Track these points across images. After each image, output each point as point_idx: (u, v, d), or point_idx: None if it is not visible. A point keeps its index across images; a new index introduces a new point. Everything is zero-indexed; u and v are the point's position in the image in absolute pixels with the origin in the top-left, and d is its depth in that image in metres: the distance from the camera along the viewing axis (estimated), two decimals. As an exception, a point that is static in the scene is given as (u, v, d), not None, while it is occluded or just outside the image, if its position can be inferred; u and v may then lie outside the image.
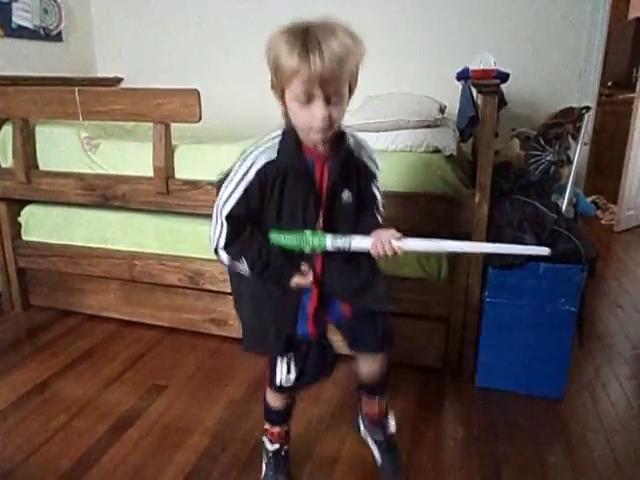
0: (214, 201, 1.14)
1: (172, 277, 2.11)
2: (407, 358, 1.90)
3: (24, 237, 2.35)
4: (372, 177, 1.18)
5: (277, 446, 1.40)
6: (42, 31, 2.75)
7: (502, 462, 1.51)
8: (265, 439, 1.41)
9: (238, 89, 3.12)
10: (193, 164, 2.02)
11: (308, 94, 0.97)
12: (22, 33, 2.63)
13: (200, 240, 2.07)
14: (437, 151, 1.85)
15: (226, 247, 1.13)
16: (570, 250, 1.68)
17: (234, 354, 2.05)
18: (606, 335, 2.27)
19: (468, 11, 2.77)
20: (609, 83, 4.71)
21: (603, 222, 3.92)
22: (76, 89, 2.01)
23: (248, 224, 1.12)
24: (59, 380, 1.87)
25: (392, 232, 1.10)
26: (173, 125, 1.98)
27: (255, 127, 2.73)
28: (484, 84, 1.69)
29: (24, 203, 2.33)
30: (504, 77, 1.83)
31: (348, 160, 1.13)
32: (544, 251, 1.07)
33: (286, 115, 1.06)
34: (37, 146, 2.21)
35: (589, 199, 3.39)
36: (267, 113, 3.21)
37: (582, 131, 2.05)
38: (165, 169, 1.99)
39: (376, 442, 1.48)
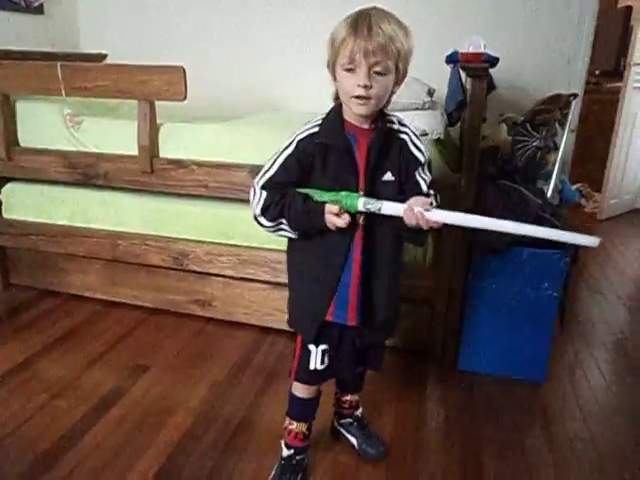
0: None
1: (156, 257, 2.09)
2: (391, 341, 1.91)
3: (5, 215, 2.30)
4: (417, 164, 1.15)
5: (291, 452, 1.36)
6: (23, 2, 2.67)
7: (483, 444, 1.53)
8: (282, 443, 1.38)
9: (225, 68, 3.08)
10: (178, 143, 1.99)
11: (352, 60, 1.02)
12: (1, 4, 2.55)
13: (184, 220, 2.05)
14: (425, 134, 1.84)
15: (264, 212, 1.15)
16: (554, 236, 1.68)
17: (218, 335, 2.04)
18: (587, 320, 2.30)
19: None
20: (597, 71, 4.72)
21: (587, 210, 3.95)
22: (58, 64, 1.96)
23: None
24: (40, 360, 1.85)
25: (423, 200, 1.05)
26: (159, 103, 1.95)
27: (241, 107, 2.72)
28: (473, 67, 1.68)
29: (5, 180, 2.28)
30: (493, 61, 1.82)
31: (390, 141, 1.13)
32: (594, 242, 0.99)
33: (336, 97, 1.12)
34: (18, 122, 2.16)
35: (574, 186, 3.41)
36: (253, 92, 3.17)
37: (569, 118, 2.05)
38: (150, 148, 1.96)
39: (349, 430, 1.50)
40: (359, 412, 1.51)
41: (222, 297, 2.08)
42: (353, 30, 1.01)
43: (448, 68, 2.03)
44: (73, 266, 2.25)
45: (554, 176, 1.98)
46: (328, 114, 1.14)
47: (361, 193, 1.10)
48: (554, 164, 2.01)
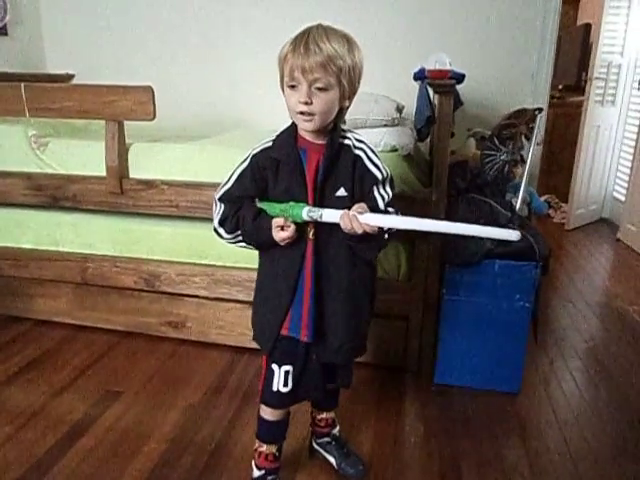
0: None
1: (127, 279, 2.04)
2: (367, 357, 1.89)
3: (-32, 240, 2.23)
4: (374, 181, 1.14)
5: (262, 472, 1.35)
6: (-14, 24, 2.64)
7: (461, 457, 1.53)
8: (253, 462, 1.37)
9: (192, 87, 3.08)
10: (148, 163, 1.96)
11: (292, 78, 1.05)
12: (-36, 26, 2.51)
13: (156, 241, 2.02)
14: (395, 150, 1.86)
15: (222, 224, 1.20)
16: (524, 248, 1.71)
17: (192, 357, 2.00)
18: (559, 330, 2.33)
19: (426, 14, 2.81)
20: (560, 86, 4.88)
21: (555, 220, 4.04)
22: (22, 85, 1.92)
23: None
24: (5, 389, 1.78)
25: (359, 205, 1.07)
26: (128, 123, 1.92)
27: (209, 126, 2.71)
28: (440, 84, 1.71)
29: (-33, 204, 2.21)
30: (460, 78, 1.85)
31: (343, 157, 1.13)
32: (514, 235, 0.99)
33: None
34: (-20, 144, 2.11)
35: (542, 198, 3.49)
36: (221, 111, 3.18)
37: (535, 132, 2.10)
38: (118, 168, 1.93)
39: (327, 449, 1.48)
40: (336, 430, 1.50)
41: (196, 318, 2.05)
42: (292, 48, 1.04)
43: (416, 85, 2.06)
44: (40, 291, 2.18)
45: (522, 188, 2.02)
46: (284, 130, 1.16)
47: (310, 205, 1.11)
48: (522, 177, 2.06)
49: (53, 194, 2.03)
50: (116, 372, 1.90)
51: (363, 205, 1.08)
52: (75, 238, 2.11)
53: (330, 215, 1.08)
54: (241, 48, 2.98)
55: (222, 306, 1.99)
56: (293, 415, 1.37)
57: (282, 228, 1.10)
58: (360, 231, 1.04)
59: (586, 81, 3.71)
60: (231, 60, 3.01)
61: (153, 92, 1.81)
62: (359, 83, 1.12)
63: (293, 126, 1.14)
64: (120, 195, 1.96)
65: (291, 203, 1.10)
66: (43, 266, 2.13)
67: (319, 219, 1.09)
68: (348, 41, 1.07)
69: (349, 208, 1.08)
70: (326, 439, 1.48)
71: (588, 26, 4.58)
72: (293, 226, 1.10)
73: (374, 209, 1.12)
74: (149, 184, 1.93)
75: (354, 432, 1.60)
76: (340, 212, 1.07)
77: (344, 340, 1.20)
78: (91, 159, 1.98)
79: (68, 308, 2.18)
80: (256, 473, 1.36)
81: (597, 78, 3.58)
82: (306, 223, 1.11)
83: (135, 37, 3.07)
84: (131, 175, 1.97)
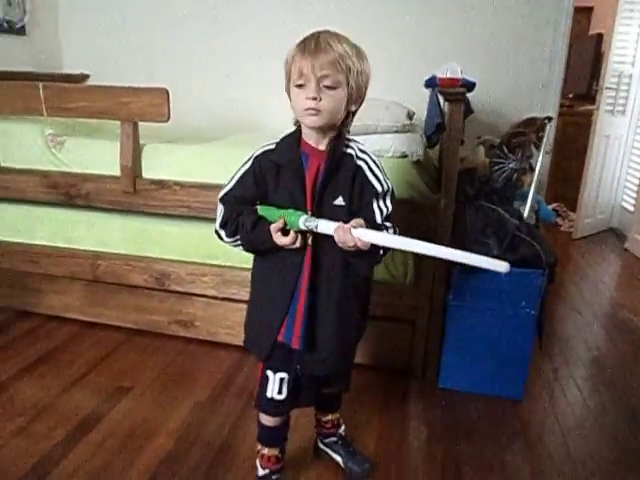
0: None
1: (137, 278, 2.07)
2: (372, 360, 1.92)
3: (-17, 235, 2.27)
4: (373, 193, 1.13)
5: (266, 472, 1.37)
6: (5, 24, 2.68)
7: (463, 461, 1.54)
8: (257, 461, 1.39)
9: (207, 88, 3.11)
10: (161, 163, 2.00)
11: (301, 75, 1.04)
12: (-16, 25, 2.56)
13: (167, 240, 2.05)
14: (404, 156, 1.88)
15: (223, 227, 1.19)
16: (531, 255, 1.73)
17: (200, 356, 2.03)
18: (564, 338, 2.34)
19: (438, 22, 2.84)
20: (570, 95, 4.88)
21: (563, 229, 4.04)
22: (40, 84, 1.96)
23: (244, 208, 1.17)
24: (16, 383, 1.82)
25: (356, 220, 1.06)
26: (140, 123, 1.96)
27: (223, 128, 2.74)
28: (451, 92, 1.73)
29: (-16, 200, 2.26)
30: (470, 86, 1.87)
31: (344, 165, 1.12)
32: (503, 267, 0.96)
33: (296, 121, 1.14)
34: (-2, 142, 2.15)
35: (550, 206, 3.49)
36: (235, 113, 3.21)
37: (544, 140, 2.12)
38: (132, 168, 1.96)
39: (334, 449, 1.50)
40: (342, 430, 1.51)
41: (204, 317, 2.08)
42: (302, 48, 1.05)
43: (427, 92, 2.08)
44: (53, 287, 2.22)
45: (530, 197, 2.03)
46: (289, 134, 1.16)
47: (309, 213, 1.10)
48: (530, 185, 2.07)
49: (68, 192, 2.06)
50: (125, 369, 1.93)
51: (360, 220, 1.07)
52: (88, 236, 2.14)
53: (325, 226, 1.07)
54: (258, 51, 3.01)
55: (231, 306, 2.02)
56: (298, 415, 1.39)
57: (284, 233, 1.10)
58: (352, 244, 1.04)
59: (597, 90, 3.71)
60: (248, 62, 3.05)
61: (168, 94, 1.85)
62: (366, 90, 1.13)
63: (297, 131, 1.14)
64: (133, 194, 1.99)
65: (290, 210, 1.10)
66: (56, 262, 2.16)
67: (315, 229, 1.08)
68: (357, 49, 1.09)
69: (346, 218, 1.08)
70: (332, 439, 1.50)
71: (600, 36, 4.58)
72: (293, 234, 1.09)
73: (371, 222, 1.11)
74: (162, 184, 1.96)
75: (358, 434, 1.62)
76: (336, 224, 1.06)
77: (330, 352, 1.20)
78: (106, 158, 2.02)
79: (79, 304, 2.21)
80: (261, 472, 1.38)
81: (608, 88, 3.59)
82: (306, 230, 1.10)
83: (152, 38, 3.12)
84: (144, 175, 2.01)
